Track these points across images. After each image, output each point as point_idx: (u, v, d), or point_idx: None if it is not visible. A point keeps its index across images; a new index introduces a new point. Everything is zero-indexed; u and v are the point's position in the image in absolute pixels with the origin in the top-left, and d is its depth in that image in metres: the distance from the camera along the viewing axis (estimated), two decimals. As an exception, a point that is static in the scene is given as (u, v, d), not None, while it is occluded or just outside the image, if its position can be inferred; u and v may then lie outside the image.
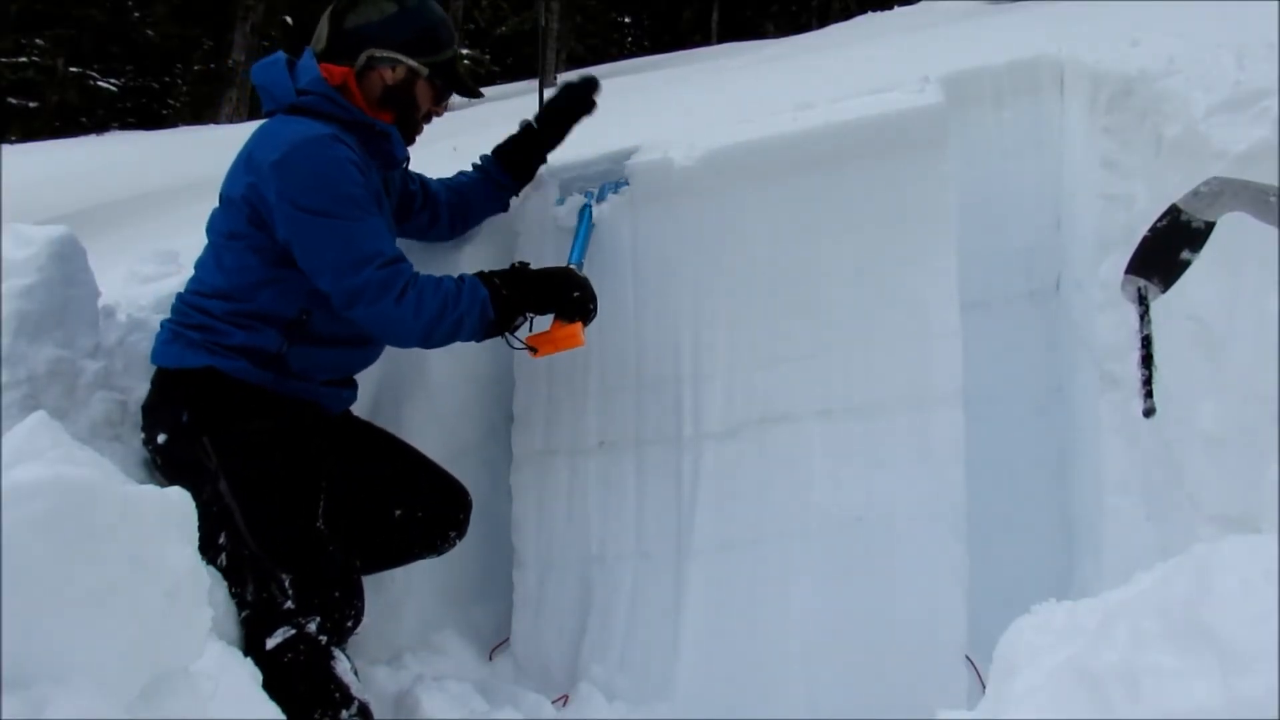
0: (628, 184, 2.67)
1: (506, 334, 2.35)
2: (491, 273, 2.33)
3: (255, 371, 2.25)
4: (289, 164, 2.17)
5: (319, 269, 2.20)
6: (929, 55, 3.87)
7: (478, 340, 2.34)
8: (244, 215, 2.24)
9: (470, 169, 2.76)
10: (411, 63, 2.34)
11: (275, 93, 2.33)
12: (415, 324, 2.20)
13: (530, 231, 2.77)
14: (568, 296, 2.35)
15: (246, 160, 2.25)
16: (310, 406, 2.34)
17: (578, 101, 2.69)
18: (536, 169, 2.76)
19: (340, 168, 2.19)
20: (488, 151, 2.75)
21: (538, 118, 2.72)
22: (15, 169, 6.67)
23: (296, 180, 2.17)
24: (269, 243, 2.23)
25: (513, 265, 2.40)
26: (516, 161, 2.73)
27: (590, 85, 2.70)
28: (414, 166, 2.63)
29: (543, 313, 2.39)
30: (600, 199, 2.72)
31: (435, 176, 2.74)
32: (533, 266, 2.39)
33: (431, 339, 2.26)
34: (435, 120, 2.50)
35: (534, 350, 2.39)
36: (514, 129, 2.74)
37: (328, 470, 2.29)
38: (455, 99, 2.55)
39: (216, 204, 2.35)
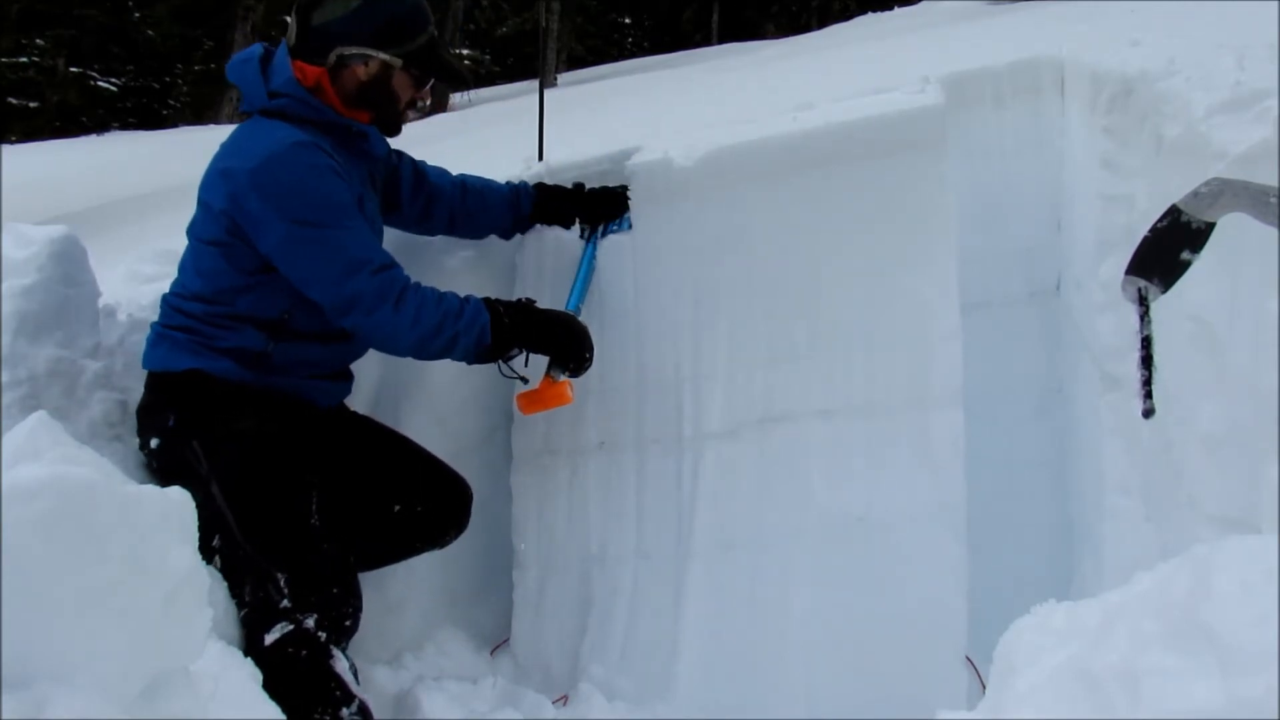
0: (630, 225, 2.67)
1: (500, 362, 2.33)
2: (497, 300, 2.32)
3: (241, 371, 2.23)
4: (267, 174, 2.13)
5: (308, 280, 2.17)
6: (929, 55, 3.87)
7: (469, 363, 2.32)
8: (223, 226, 2.20)
9: (505, 184, 2.71)
10: (383, 56, 2.26)
11: (248, 93, 2.28)
12: (411, 334, 2.18)
13: (529, 246, 2.76)
14: (566, 343, 2.34)
15: (223, 169, 2.20)
16: (299, 402, 2.32)
17: (620, 201, 2.67)
18: (553, 223, 2.73)
19: (319, 175, 2.15)
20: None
21: (590, 189, 2.70)
22: (15, 169, 6.67)
23: (276, 190, 2.13)
24: (247, 251, 2.19)
25: (518, 300, 2.38)
26: (547, 206, 2.69)
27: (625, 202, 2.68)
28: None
29: (538, 352, 2.37)
30: (604, 236, 2.69)
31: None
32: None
33: (424, 351, 2.25)
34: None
35: (523, 405, 2.40)
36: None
37: (321, 466, 2.28)
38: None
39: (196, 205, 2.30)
